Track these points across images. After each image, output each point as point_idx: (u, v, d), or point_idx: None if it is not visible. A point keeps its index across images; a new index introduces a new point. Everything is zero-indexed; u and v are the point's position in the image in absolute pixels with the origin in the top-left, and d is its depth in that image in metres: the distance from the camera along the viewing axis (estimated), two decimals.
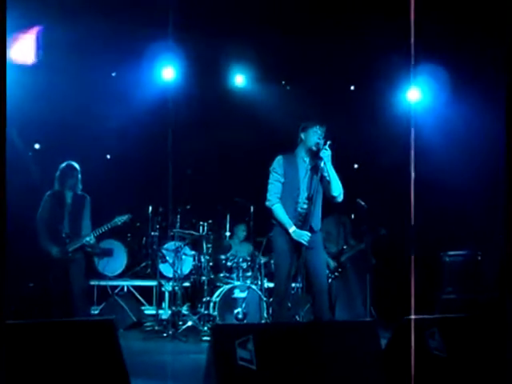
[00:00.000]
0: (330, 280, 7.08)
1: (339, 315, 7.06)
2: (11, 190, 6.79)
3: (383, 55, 7.60)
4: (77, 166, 6.11)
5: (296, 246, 4.84)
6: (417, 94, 8.42)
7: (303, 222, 4.87)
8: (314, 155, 4.96)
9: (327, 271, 7.02)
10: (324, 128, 4.96)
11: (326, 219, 7.16)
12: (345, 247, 7.36)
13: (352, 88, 9.03)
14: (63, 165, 6.10)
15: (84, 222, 6.05)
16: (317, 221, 4.96)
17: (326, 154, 4.83)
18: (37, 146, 8.63)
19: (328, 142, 4.85)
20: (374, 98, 8.43)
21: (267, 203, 5.00)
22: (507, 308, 3.01)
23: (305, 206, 4.91)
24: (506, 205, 2.91)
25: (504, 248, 3.03)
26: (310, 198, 4.86)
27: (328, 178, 4.91)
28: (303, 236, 4.80)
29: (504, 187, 3.00)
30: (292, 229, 4.84)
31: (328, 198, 5.05)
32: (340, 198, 5.03)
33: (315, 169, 4.92)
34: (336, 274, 7.16)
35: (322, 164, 4.85)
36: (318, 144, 4.89)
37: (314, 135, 4.93)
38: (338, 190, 4.97)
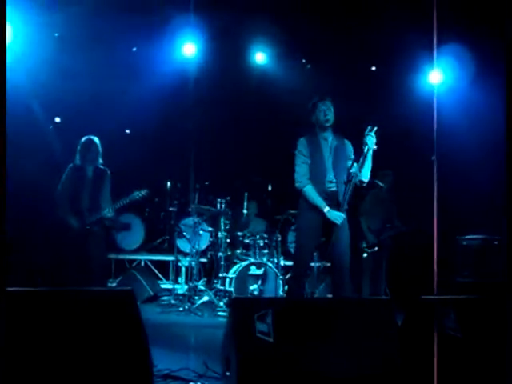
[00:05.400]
0: (364, 254, 7.06)
1: (366, 291, 7.06)
2: (33, 164, 6.92)
3: (405, 36, 7.51)
4: (97, 140, 6.16)
5: (324, 225, 4.87)
6: (439, 76, 8.34)
7: (334, 201, 4.88)
8: (325, 130, 4.98)
9: (364, 245, 7.03)
10: (327, 101, 4.97)
11: (370, 195, 7.17)
12: (388, 225, 7.29)
13: (373, 68, 8.96)
14: (83, 139, 6.15)
15: (103, 196, 6.09)
16: (345, 200, 4.97)
17: (372, 140, 4.84)
18: (57, 120, 8.70)
19: (375, 129, 4.85)
20: (395, 79, 8.36)
21: (298, 185, 4.99)
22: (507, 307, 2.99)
23: (332, 185, 4.92)
24: (507, 202, 2.87)
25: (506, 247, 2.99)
26: (349, 179, 4.85)
27: (364, 164, 4.89)
28: (338, 217, 4.82)
29: (505, 186, 2.96)
30: (326, 209, 4.84)
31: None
32: (365, 184, 5.05)
33: (360, 153, 4.91)
34: (371, 250, 7.10)
35: (366, 149, 4.85)
36: (326, 119, 4.92)
37: (320, 113, 4.95)
38: (367, 176, 4.99)
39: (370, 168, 4.97)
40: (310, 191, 4.93)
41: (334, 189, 4.92)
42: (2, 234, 1.98)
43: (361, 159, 4.87)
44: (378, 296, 7.08)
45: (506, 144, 2.98)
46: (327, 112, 4.93)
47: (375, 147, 4.87)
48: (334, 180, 4.92)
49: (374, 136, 4.84)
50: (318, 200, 4.89)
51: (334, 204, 4.87)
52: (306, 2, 7.33)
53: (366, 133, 4.85)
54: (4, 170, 2.03)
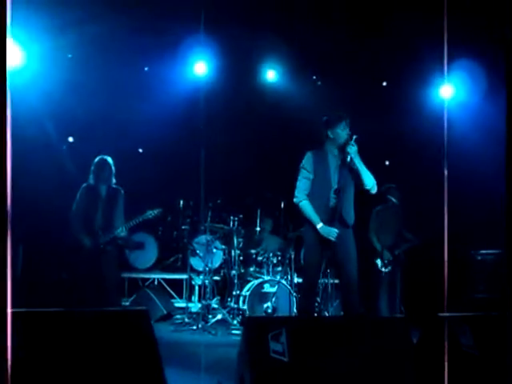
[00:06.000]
0: (382, 275, 6.97)
1: (384, 310, 6.97)
2: (46, 183, 6.97)
3: (416, 50, 7.52)
4: (110, 160, 6.22)
5: (326, 241, 4.85)
6: (450, 91, 8.32)
7: (334, 216, 4.86)
8: (341, 149, 4.97)
9: (380, 264, 6.95)
10: (348, 120, 4.96)
11: (379, 209, 7.10)
12: (399, 240, 7.16)
13: (384, 84, 8.96)
14: (97, 159, 6.21)
15: (117, 215, 6.13)
16: (350, 215, 4.95)
17: (353, 149, 4.83)
18: (71, 139, 8.78)
19: (354, 137, 4.84)
20: (406, 94, 8.35)
21: (295, 200, 5.02)
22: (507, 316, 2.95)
23: (334, 201, 4.89)
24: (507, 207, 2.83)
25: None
26: (337, 192, 4.85)
27: (358, 172, 4.90)
28: (331, 233, 4.80)
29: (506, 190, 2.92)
30: (319, 225, 4.84)
31: (362, 192, 5.03)
32: (374, 190, 5.03)
33: (343, 162, 4.93)
34: (389, 267, 7.01)
35: (349, 159, 4.84)
36: (348, 139, 4.90)
37: (343, 132, 4.93)
38: (370, 183, 4.96)
39: (369, 175, 4.95)
40: (306, 206, 4.93)
41: (336, 203, 4.87)
42: (4, 253, 1.99)
43: (344, 168, 4.87)
44: (393, 313, 7.02)
45: (507, 152, 2.95)
46: (348, 131, 4.92)
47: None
48: (335, 195, 4.86)
49: (355, 144, 4.83)
50: (312, 216, 4.89)
51: (336, 219, 4.84)
52: (316, 18, 7.37)
53: (347, 142, 4.85)
54: (5, 187, 2.05)
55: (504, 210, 2.87)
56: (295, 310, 6.85)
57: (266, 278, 7.14)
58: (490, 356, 3.68)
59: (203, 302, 7.34)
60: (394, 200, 7.16)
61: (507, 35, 2.96)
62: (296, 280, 7.31)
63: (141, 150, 9.58)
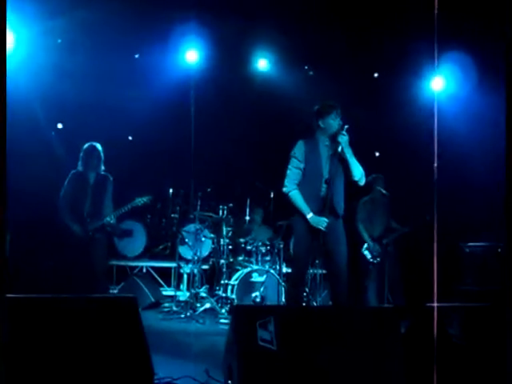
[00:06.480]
0: (370, 266, 6.96)
1: (372, 300, 6.96)
2: (35, 169, 6.92)
3: (407, 43, 7.53)
4: (99, 146, 6.18)
5: (316, 231, 4.83)
6: (441, 83, 8.35)
7: (324, 206, 4.84)
8: (333, 139, 4.94)
9: (369, 256, 6.94)
10: (339, 110, 4.93)
11: (366, 199, 7.07)
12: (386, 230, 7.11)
13: (375, 75, 8.96)
14: (86, 146, 6.17)
15: (105, 202, 6.11)
16: (340, 205, 4.93)
17: (345, 139, 4.80)
18: (60, 126, 8.72)
19: (345, 127, 4.83)
20: (397, 86, 8.36)
21: (284, 189, 4.97)
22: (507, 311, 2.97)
23: (324, 190, 4.87)
24: (506, 203, 2.85)
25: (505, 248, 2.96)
26: (327, 182, 4.82)
27: (347, 163, 4.89)
28: (321, 222, 4.77)
29: (505, 184, 2.93)
30: (309, 215, 4.81)
31: (350, 183, 5.01)
32: (362, 182, 5.00)
33: (334, 152, 4.90)
34: (378, 259, 6.96)
35: (340, 149, 4.83)
36: (339, 129, 4.86)
37: (334, 121, 4.89)
38: (358, 174, 4.93)
39: (358, 166, 4.92)
40: (295, 196, 4.89)
41: (326, 193, 4.83)
42: (3, 240, 1.97)
43: (335, 158, 4.84)
44: (381, 303, 7.04)
45: (506, 148, 2.96)
46: (340, 120, 4.90)
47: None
48: (325, 185, 4.82)
49: (346, 134, 4.81)
50: (302, 205, 4.85)
51: (326, 209, 4.80)
52: (308, 8, 7.34)
53: (338, 131, 4.83)
54: (4, 179, 2.03)
55: (503, 205, 2.88)
56: (283, 300, 6.86)
57: (255, 267, 7.14)
58: (478, 346, 3.71)
59: (192, 290, 7.33)
60: (381, 190, 7.12)
61: (507, 35, 2.95)
62: (285, 270, 7.31)
63: (130, 138, 9.54)
